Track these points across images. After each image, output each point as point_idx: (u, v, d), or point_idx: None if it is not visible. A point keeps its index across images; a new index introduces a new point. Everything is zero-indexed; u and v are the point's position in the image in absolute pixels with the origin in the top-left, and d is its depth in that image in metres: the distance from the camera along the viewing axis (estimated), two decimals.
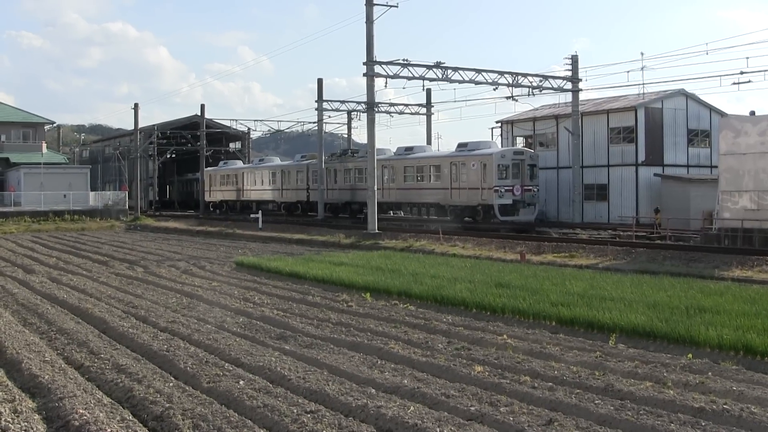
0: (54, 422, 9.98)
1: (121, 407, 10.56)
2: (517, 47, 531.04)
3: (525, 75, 46.97)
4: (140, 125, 76.73)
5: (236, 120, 77.46)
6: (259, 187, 69.80)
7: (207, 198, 77.47)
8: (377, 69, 41.96)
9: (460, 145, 49.11)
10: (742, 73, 38.36)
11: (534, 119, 55.25)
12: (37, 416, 10.20)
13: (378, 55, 41.49)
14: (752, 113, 35.82)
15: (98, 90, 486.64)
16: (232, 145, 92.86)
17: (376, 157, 42.80)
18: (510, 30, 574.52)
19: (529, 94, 47.83)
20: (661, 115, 49.03)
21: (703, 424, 9.61)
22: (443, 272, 24.71)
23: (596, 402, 10.66)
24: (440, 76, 44.22)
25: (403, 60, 42.65)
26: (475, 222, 45.91)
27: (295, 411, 10.16)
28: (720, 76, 41.12)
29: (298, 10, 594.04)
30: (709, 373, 12.35)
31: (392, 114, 62.42)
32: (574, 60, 48.24)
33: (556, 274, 23.89)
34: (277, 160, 74.62)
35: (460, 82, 44.85)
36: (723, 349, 14.00)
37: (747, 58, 51.21)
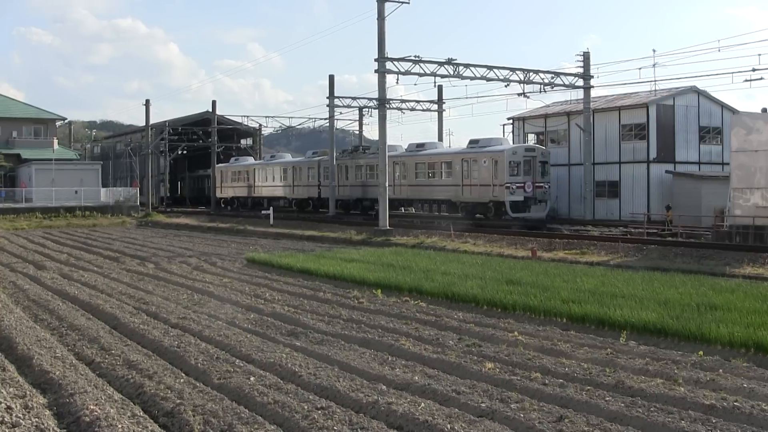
0: (65, 418, 10.01)
1: (131, 403, 10.60)
2: (528, 44, 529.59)
3: (536, 72, 46.93)
4: (151, 121, 76.88)
5: (247, 116, 77.95)
6: (270, 183, 69.84)
7: (218, 194, 77.59)
8: (389, 65, 41.97)
9: (472, 142, 49.08)
10: (754, 70, 38.19)
11: (545, 116, 55.11)
12: (48, 412, 10.24)
13: (389, 52, 41.56)
14: (764, 110, 35.68)
15: (108, 86, 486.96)
16: (243, 141, 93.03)
17: (387, 153, 42.81)
18: (521, 27, 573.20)
19: (540, 91, 47.83)
20: (672, 112, 48.84)
21: (713, 421, 9.58)
22: (454, 269, 24.71)
23: (607, 399, 10.65)
24: (451, 73, 44.21)
25: (415, 56, 42.66)
26: (486, 219, 45.83)
27: (305, 407, 10.17)
28: (732, 73, 40.85)
29: (307, 7, 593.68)
30: (720, 371, 12.32)
31: (403, 110, 62.38)
32: (586, 57, 48.14)
33: (567, 271, 23.87)
34: (288, 157, 74.63)
35: (471, 78, 44.84)
36: (734, 346, 13.97)
37: (759, 55, 51.06)
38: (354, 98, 62.53)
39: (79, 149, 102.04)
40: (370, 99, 60.13)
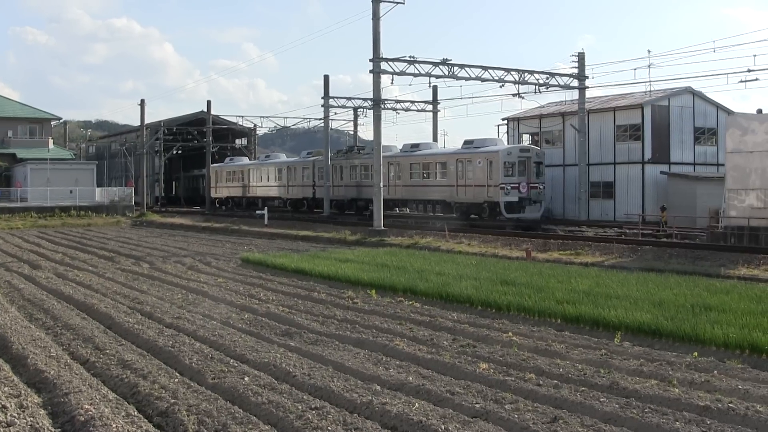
0: (59, 417, 9.99)
1: (126, 402, 10.59)
2: (523, 44, 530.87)
3: (531, 72, 46.94)
4: (146, 121, 76.87)
5: (242, 116, 78.20)
6: (265, 183, 69.82)
7: (213, 194, 77.56)
8: (384, 66, 41.92)
9: (466, 143, 49.09)
10: (749, 70, 38.30)
11: (540, 116, 55.15)
12: (42, 411, 10.22)
13: (384, 52, 41.45)
14: (759, 111, 35.76)
15: (103, 86, 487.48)
16: (238, 141, 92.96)
17: (382, 154, 42.78)
18: (516, 27, 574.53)
19: (535, 92, 47.87)
20: (667, 112, 48.89)
21: (708, 422, 9.59)
22: (449, 269, 24.71)
23: (601, 400, 10.66)
24: (446, 73, 44.20)
25: (410, 57, 42.63)
26: (480, 219, 45.85)
27: (300, 407, 10.17)
28: (727, 73, 41.01)
29: (301, 7, 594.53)
30: (715, 372, 12.34)
31: (398, 111, 62.50)
32: (581, 57, 48.17)
33: (562, 271, 23.88)
34: (283, 157, 74.64)
35: (466, 79, 44.81)
36: (728, 347, 13.99)
37: (754, 55, 51.15)
38: (349, 98, 62.53)
39: (74, 149, 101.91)
40: (364, 99, 60.16)
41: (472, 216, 46.79)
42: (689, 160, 49.38)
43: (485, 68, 45.10)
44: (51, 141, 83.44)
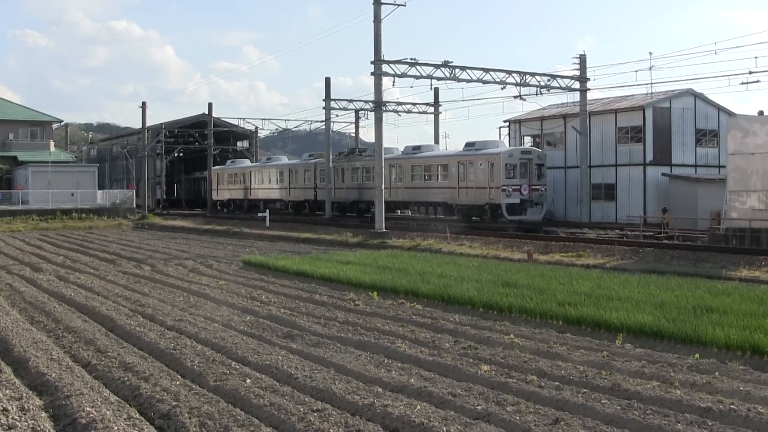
0: (61, 420, 10.00)
1: (127, 405, 10.59)
2: (524, 46, 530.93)
3: (533, 74, 46.92)
4: (147, 124, 76.81)
5: (244, 119, 77.82)
6: (266, 185, 69.85)
7: (215, 197, 77.52)
8: (385, 68, 41.91)
9: (468, 145, 49.08)
10: (750, 72, 38.31)
11: (542, 118, 55.15)
12: (44, 414, 10.23)
13: (385, 54, 41.44)
14: (760, 113, 35.75)
15: (104, 89, 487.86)
16: (239, 143, 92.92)
17: (383, 156, 42.78)
18: (517, 29, 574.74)
19: (536, 94, 47.78)
20: (669, 114, 48.87)
21: (709, 423, 9.59)
22: (450, 271, 24.70)
23: (603, 402, 10.65)
24: (448, 76, 44.19)
25: (411, 59, 42.60)
26: (482, 221, 45.86)
27: (301, 410, 10.17)
28: (728, 75, 41.03)
29: (301, 10, 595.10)
30: (716, 373, 12.33)
31: (400, 113, 62.52)
32: (582, 59, 48.13)
33: (564, 273, 23.86)
34: (284, 159, 74.60)
35: (467, 81, 44.82)
36: (730, 349, 13.98)
37: (755, 57, 51.16)
38: (350, 101, 62.58)
39: (75, 152, 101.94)
40: (366, 101, 60.27)
41: (474, 218, 46.81)
42: (690, 162, 49.37)
43: (486, 70, 45.11)
44: (52, 144, 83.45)
